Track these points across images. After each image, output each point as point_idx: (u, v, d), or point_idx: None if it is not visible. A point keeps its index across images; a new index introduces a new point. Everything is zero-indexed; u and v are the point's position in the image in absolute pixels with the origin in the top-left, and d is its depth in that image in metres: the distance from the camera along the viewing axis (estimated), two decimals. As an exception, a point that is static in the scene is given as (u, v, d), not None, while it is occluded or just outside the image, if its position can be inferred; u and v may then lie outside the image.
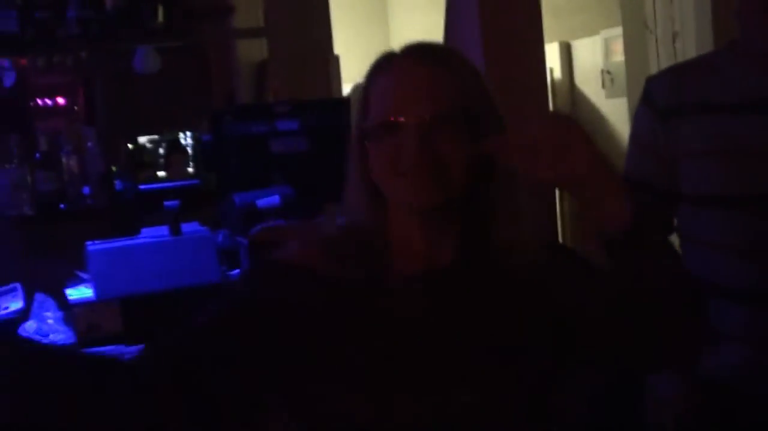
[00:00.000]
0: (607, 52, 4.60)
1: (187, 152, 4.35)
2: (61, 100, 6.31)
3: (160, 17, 4.23)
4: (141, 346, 1.81)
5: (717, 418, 2.18)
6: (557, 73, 4.98)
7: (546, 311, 1.55)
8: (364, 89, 1.58)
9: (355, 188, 1.60)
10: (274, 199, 3.09)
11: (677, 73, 2.27)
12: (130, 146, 4.46)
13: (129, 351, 2.56)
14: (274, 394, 1.56)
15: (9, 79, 4.73)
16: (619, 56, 4.31)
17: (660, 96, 2.15)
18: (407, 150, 1.49)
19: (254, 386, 1.56)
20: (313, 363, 1.52)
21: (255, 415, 1.59)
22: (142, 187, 3.88)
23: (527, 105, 2.90)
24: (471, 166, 1.52)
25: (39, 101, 6.25)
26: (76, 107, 6.32)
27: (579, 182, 1.43)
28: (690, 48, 3.42)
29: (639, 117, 2.21)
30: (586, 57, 4.84)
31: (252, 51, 5.47)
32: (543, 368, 1.55)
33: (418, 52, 1.58)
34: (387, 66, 1.57)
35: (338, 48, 5.34)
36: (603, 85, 4.58)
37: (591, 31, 4.76)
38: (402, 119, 1.50)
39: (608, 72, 4.52)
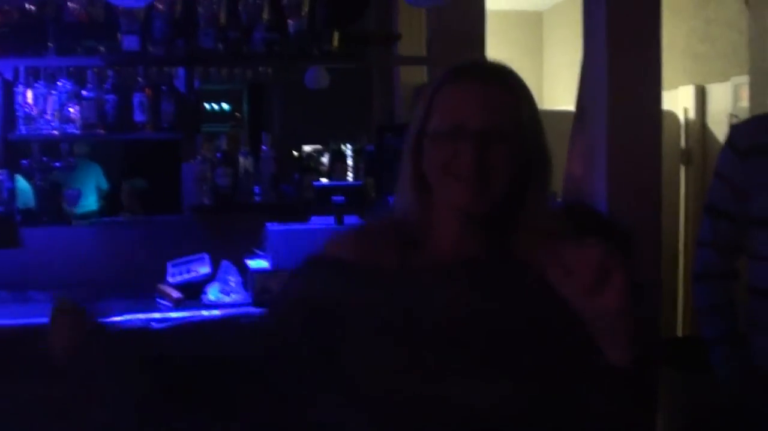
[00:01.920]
0: (736, 97, 4.83)
1: (347, 160, 4.84)
2: (225, 106, 6.81)
3: (335, 42, 4.66)
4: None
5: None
6: (691, 114, 5.21)
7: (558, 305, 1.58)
8: (431, 95, 1.72)
9: (406, 184, 1.76)
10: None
11: (757, 121, 2.72)
12: (295, 153, 4.94)
13: None
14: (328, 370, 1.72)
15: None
16: (745, 102, 4.59)
17: (740, 140, 2.59)
18: (465, 155, 1.65)
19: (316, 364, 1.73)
20: (355, 344, 1.68)
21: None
22: (315, 183, 4.33)
23: (640, 141, 3.29)
24: (513, 179, 1.68)
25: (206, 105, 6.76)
26: (237, 114, 6.80)
27: (605, 317, 1.54)
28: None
29: (722, 157, 2.65)
30: (718, 100, 5.06)
31: (413, 75, 5.77)
32: (553, 360, 1.64)
33: (484, 71, 1.75)
34: (455, 78, 1.72)
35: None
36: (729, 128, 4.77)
37: (723, 77, 5.01)
38: (465, 126, 1.66)
39: (735, 116, 4.74)
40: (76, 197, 4.58)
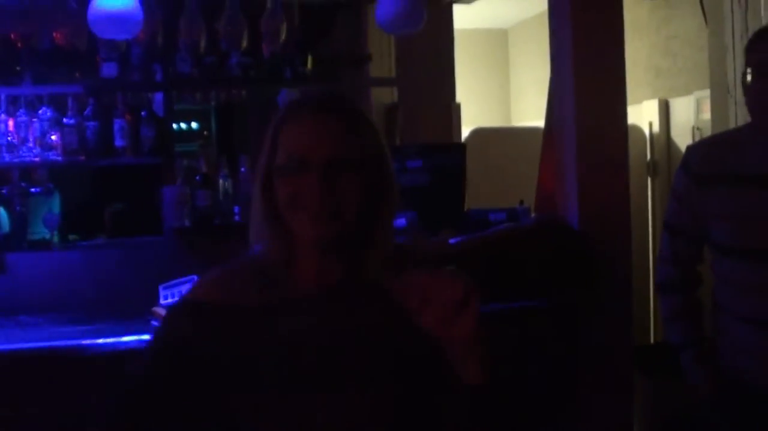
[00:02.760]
0: (698, 110, 4.97)
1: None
2: (194, 125, 6.86)
3: (309, 64, 4.78)
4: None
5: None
6: (656, 127, 5.34)
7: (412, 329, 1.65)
8: (274, 131, 1.78)
9: (259, 220, 1.81)
10: (401, 221, 3.67)
11: (709, 147, 2.88)
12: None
13: None
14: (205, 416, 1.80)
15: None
16: (707, 114, 4.71)
17: (695, 164, 2.74)
18: (310, 188, 1.71)
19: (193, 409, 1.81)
20: (227, 383, 1.77)
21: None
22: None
23: (608, 154, 3.42)
24: (360, 206, 1.75)
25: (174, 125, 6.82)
26: (205, 132, 6.87)
27: (460, 343, 1.63)
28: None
29: (678, 178, 2.81)
30: (682, 114, 5.20)
31: (383, 95, 5.82)
32: (410, 382, 1.76)
33: (325, 105, 1.79)
34: (297, 114, 1.78)
35: (460, 95, 5.74)
36: (692, 140, 4.85)
37: (686, 91, 5.14)
38: (308, 159, 1.72)
39: (698, 128, 4.88)
40: (55, 221, 4.63)
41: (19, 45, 4.55)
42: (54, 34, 4.58)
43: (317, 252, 1.80)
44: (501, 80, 8.02)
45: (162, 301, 3.75)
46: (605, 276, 3.24)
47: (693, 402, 2.96)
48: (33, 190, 4.69)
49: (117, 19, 3.86)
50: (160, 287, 3.80)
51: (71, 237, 4.66)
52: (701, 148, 2.94)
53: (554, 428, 3.31)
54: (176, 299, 3.64)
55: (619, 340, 3.47)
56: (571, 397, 3.38)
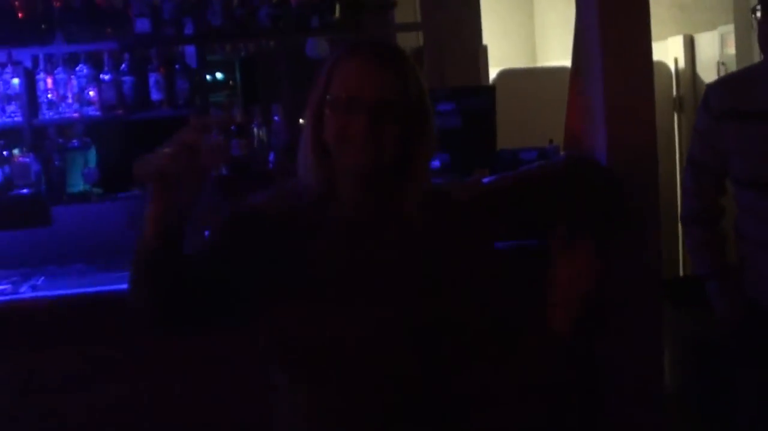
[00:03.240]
0: (723, 45, 5.02)
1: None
2: (219, 75, 6.98)
3: (337, 12, 4.87)
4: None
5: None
6: (681, 63, 5.42)
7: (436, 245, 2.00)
8: (329, 69, 1.97)
9: (308, 149, 2.00)
10: (435, 163, 3.78)
11: (726, 84, 2.98)
12: (301, 120, 5.14)
13: None
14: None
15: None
16: (731, 50, 4.80)
17: (713, 101, 2.83)
18: (358, 123, 1.90)
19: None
20: (273, 285, 1.96)
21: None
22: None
23: (634, 91, 3.49)
24: (401, 144, 1.96)
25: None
26: (231, 82, 6.99)
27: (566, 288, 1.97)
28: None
29: (699, 116, 2.91)
30: (707, 49, 5.26)
31: (409, 40, 5.89)
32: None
33: (378, 50, 1.99)
34: (352, 55, 1.97)
35: (486, 37, 5.80)
36: (718, 75, 4.91)
37: (711, 26, 5.20)
38: (359, 98, 1.91)
39: (723, 63, 4.95)
40: (93, 175, 4.76)
41: (56, 4, 4.65)
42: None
43: (358, 185, 2.00)
44: (525, 20, 8.04)
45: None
46: (634, 211, 3.33)
47: (720, 331, 3.07)
48: (70, 145, 4.81)
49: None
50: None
51: (95, 191, 4.75)
52: (719, 85, 3.07)
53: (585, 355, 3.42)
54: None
55: (648, 272, 3.56)
56: (600, 328, 3.48)
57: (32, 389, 3.06)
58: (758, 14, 2.74)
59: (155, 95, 4.69)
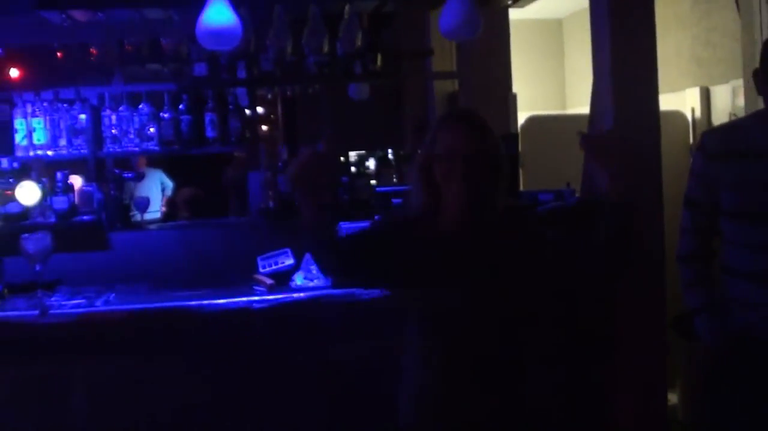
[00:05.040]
0: (734, 97, 5.34)
1: (392, 165, 5.45)
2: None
3: (379, 62, 5.28)
4: (375, 290, 3.60)
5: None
6: (698, 113, 5.71)
7: (523, 253, 2.88)
8: (435, 130, 2.88)
9: (420, 188, 2.89)
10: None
11: (721, 130, 3.46)
12: (342, 158, 5.52)
13: (365, 293, 3.95)
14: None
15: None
16: (742, 101, 5.13)
17: (710, 146, 3.23)
18: (456, 170, 2.80)
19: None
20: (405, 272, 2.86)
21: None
22: (378, 189, 4.97)
23: (642, 140, 3.85)
24: (486, 180, 2.83)
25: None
26: (272, 116, 7.36)
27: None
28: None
29: (696, 159, 3.30)
30: (721, 101, 5.56)
31: (445, 84, 6.36)
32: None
33: (467, 118, 2.89)
34: (449, 122, 2.90)
35: (517, 83, 6.16)
36: None
37: (725, 80, 5.50)
38: (456, 152, 2.79)
39: (734, 114, 5.25)
40: (145, 204, 5.14)
41: (127, 48, 5.11)
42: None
43: (458, 210, 2.85)
44: (556, 68, 8.36)
45: (261, 270, 4.30)
46: (641, 253, 3.67)
47: (710, 361, 3.41)
48: (126, 175, 5.20)
49: (222, 33, 4.39)
50: (258, 258, 4.36)
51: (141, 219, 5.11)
52: (714, 132, 3.53)
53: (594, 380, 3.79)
54: (273, 267, 4.22)
55: (653, 308, 3.91)
56: (609, 355, 3.85)
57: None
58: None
59: (210, 133, 5.11)
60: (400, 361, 2.97)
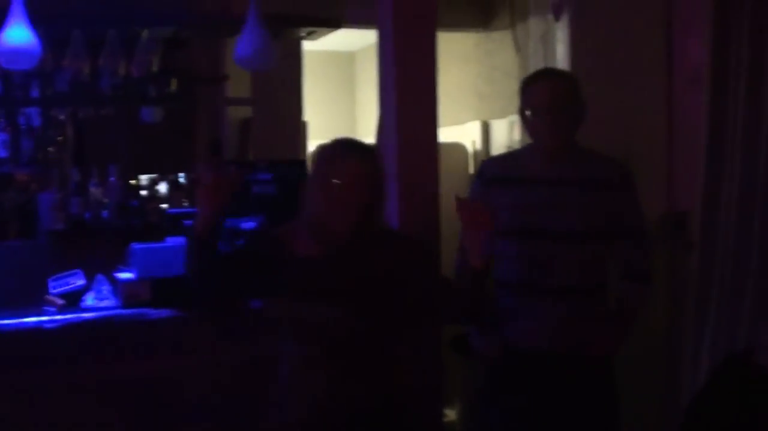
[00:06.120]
0: (511, 131, 5.71)
1: (184, 188, 5.53)
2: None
3: (174, 85, 5.37)
4: (165, 310, 3.75)
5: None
6: (478, 145, 6.06)
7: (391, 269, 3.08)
8: (321, 161, 3.11)
9: (318, 198, 3.04)
10: (252, 224, 4.36)
11: (497, 159, 3.75)
12: (132, 181, 5.56)
13: (154, 313, 4.04)
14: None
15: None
16: (518, 136, 5.48)
17: (487, 173, 3.52)
18: (343, 195, 2.99)
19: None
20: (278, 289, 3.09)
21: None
22: (169, 210, 5.06)
23: (422, 167, 4.08)
24: (368, 202, 3.05)
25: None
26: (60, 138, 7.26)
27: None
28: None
29: (473, 186, 3.59)
30: (500, 134, 5.93)
31: (240, 111, 6.38)
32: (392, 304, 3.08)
33: (354, 147, 3.13)
34: (338, 152, 3.09)
35: (309, 112, 6.39)
36: None
37: (503, 115, 5.85)
38: (341, 181, 3.00)
39: (511, 147, 5.53)
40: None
41: None
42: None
43: (346, 222, 3.05)
44: (347, 98, 8.63)
45: (52, 291, 4.31)
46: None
47: (486, 373, 3.67)
48: None
49: (20, 52, 4.43)
50: (49, 280, 4.37)
51: None
52: (490, 161, 3.98)
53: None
54: (64, 288, 4.24)
55: (431, 328, 4.12)
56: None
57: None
58: (528, 114, 3.49)
59: (1, 153, 5.07)
60: (277, 369, 3.19)
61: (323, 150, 3.18)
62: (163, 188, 5.57)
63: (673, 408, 4.54)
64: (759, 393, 2.94)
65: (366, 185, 3.04)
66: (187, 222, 4.46)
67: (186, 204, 5.38)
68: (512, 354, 3.52)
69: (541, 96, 3.46)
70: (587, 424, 3.52)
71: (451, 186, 4.52)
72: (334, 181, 3.01)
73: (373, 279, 3.07)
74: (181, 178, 5.61)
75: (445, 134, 6.16)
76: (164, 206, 5.33)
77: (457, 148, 6.08)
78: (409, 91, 4.11)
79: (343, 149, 3.13)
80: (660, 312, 4.72)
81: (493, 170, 3.63)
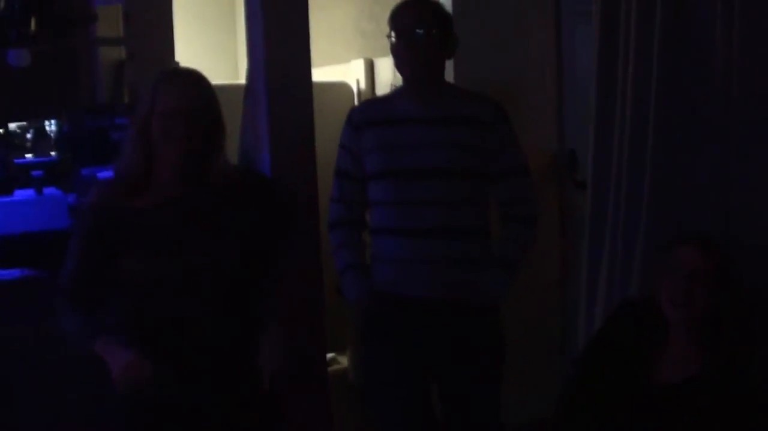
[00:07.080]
0: (395, 70, 5.50)
1: (50, 137, 5.25)
2: None
3: (33, 26, 5.06)
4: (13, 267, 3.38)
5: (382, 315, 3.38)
6: (362, 84, 5.87)
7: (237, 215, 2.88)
8: (155, 87, 2.80)
9: (135, 148, 2.81)
10: (111, 173, 4.09)
11: (367, 104, 3.63)
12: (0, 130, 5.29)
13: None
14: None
15: None
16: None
17: (356, 118, 3.36)
18: (177, 126, 2.74)
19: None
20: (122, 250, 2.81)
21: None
22: (16, 161, 4.77)
23: (296, 111, 3.88)
24: (204, 140, 2.82)
25: None
26: None
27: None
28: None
29: (344, 131, 3.43)
30: (384, 72, 5.74)
31: (112, 53, 6.25)
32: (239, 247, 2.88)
33: (185, 76, 2.91)
34: (169, 78, 2.87)
35: (187, 53, 6.15)
36: None
37: (388, 52, 5.64)
38: (177, 109, 2.73)
39: (395, 86, 5.31)
40: None
41: None
42: None
43: (174, 172, 2.82)
44: (228, 39, 8.28)
45: None
46: (298, 222, 3.69)
47: (361, 317, 3.51)
48: None
49: None
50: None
51: None
52: (360, 106, 3.78)
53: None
54: None
55: (311, 287, 3.94)
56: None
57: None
58: (393, 39, 3.26)
59: None
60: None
61: (154, 80, 2.89)
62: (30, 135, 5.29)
63: (568, 351, 4.50)
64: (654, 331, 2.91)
65: (192, 116, 2.77)
66: (36, 173, 4.21)
67: (53, 154, 5.13)
68: (385, 299, 3.37)
69: (403, 20, 3.35)
70: (464, 369, 3.43)
71: (335, 126, 4.34)
72: (174, 109, 2.75)
73: (216, 226, 2.87)
74: (49, 125, 5.30)
75: (329, 73, 6.02)
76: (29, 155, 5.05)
77: (342, 87, 5.87)
78: (278, 26, 3.87)
79: (165, 78, 2.87)
80: (553, 255, 4.63)
81: (361, 114, 3.47)
